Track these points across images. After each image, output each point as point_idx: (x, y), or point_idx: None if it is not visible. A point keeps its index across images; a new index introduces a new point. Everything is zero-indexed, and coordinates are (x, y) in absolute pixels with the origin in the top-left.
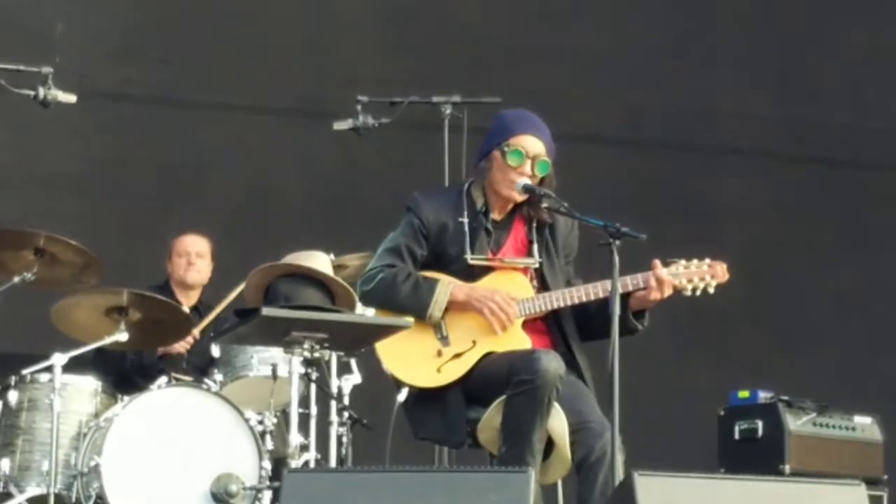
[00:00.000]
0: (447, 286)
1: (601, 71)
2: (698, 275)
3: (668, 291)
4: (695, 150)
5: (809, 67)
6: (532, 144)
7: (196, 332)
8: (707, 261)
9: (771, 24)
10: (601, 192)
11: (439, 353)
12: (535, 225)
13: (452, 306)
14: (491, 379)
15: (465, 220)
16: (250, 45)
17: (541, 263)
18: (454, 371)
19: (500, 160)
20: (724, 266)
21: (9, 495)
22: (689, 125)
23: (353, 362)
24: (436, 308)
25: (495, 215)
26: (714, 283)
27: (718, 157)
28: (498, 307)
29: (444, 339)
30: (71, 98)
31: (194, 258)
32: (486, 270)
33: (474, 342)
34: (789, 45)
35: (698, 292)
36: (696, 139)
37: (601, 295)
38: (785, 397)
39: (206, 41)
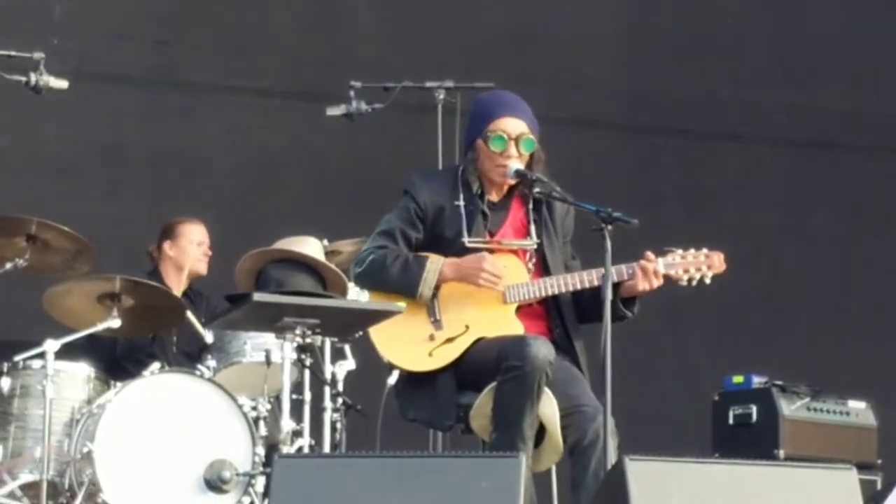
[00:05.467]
0: (437, 264)
1: (600, 56)
2: (695, 265)
3: (656, 283)
4: (693, 135)
5: (808, 52)
6: (513, 125)
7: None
8: (704, 250)
9: (770, 8)
10: (599, 178)
11: (431, 337)
12: (531, 206)
13: (445, 285)
14: (482, 364)
15: (462, 203)
16: (249, 28)
17: (540, 243)
18: (446, 355)
19: (484, 148)
20: (722, 256)
21: (1, 482)
22: (687, 111)
23: (347, 348)
24: (425, 286)
25: (492, 197)
26: (710, 274)
27: (717, 143)
28: (490, 274)
29: (437, 323)
30: (63, 84)
31: (207, 249)
32: None
33: (467, 327)
34: (788, 30)
35: (694, 283)
36: (694, 125)
37: (596, 283)
38: (779, 382)
39: (206, 23)
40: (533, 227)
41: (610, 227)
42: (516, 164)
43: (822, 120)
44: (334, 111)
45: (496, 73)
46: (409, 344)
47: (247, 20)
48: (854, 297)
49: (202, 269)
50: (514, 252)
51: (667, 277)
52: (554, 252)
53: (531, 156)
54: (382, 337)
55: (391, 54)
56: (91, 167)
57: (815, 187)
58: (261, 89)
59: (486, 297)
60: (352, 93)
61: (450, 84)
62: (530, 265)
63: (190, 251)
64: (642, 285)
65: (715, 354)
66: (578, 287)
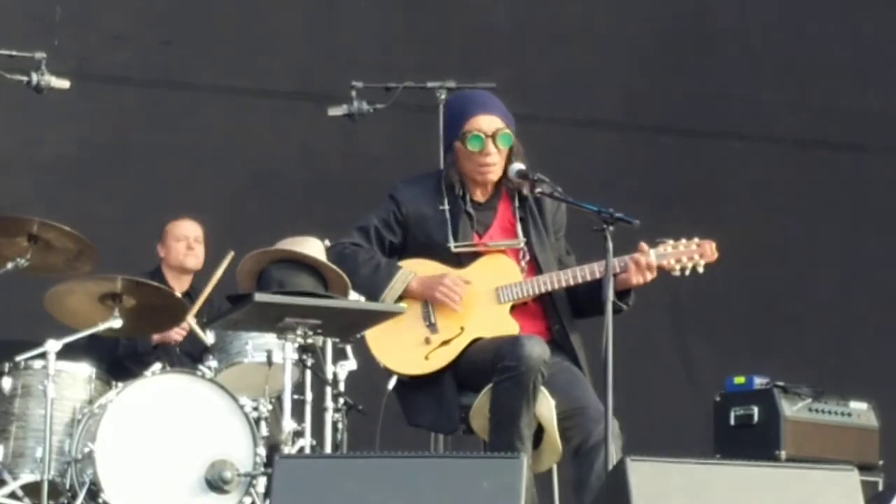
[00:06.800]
0: (407, 276)
1: (601, 55)
2: (686, 254)
3: (649, 276)
4: (696, 134)
5: (813, 51)
6: (487, 123)
7: (190, 318)
8: (695, 240)
9: (773, 6)
10: (601, 177)
11: (427, 341)
12: (517, 204)
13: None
14: (479, 365)
15: (446, 208)
16: (251, 28)
17: (529, 242)
18: (442, 358)
19: (463, 150)
20: (713, 245)
21: (2, 482)
22: (690, 109)
23: (348, 348)
24: (389, 295)
25: (478, 197)
26: (703, 263)
27: (720, 142)
28: (447, 289)
29: (433, 327)
30: (64, 84)
31: (193, 243)
32: (474, 256)
33: (462, 329)
34: (792, 27)
35: (687, 272)
36: (697, 124)
37: (588, 278)
38: (780, 383)
39: (206, 23)
40: (520, 226)
41: (612, 227)
42: (517, 164)
43: (827, 119)
44: (336, 111)
45: (496, 73)
46: (406, 348)
47: (248, 20)
48: (857, 297)
49: (189, 263)
50: (506, 252)
51: (659, 268)
52: (544, 249)
53: (510, 150)
54: (378, 342)
55: (392, 54)
56: (92, 167)
57: (819, 187)
58: (262, 89)
59: (479, 299)
60: (353, 93)
61: (451, 84)
62: (523, 264)
63: (174, 248)
64: (636, 279)
65: (716, 355)
66: (571, 283)
